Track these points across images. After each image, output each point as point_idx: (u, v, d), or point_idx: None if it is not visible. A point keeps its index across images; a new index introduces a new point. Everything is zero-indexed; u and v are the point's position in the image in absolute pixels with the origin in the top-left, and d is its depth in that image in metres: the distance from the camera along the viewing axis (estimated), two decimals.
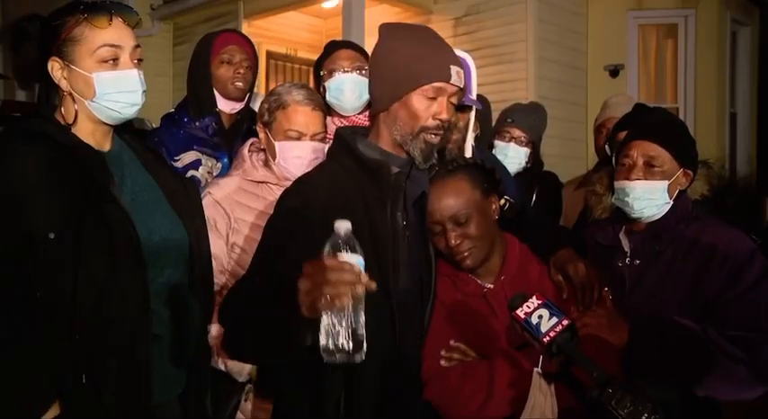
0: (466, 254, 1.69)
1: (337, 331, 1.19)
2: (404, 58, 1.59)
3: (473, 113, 2.08)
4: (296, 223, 1.54)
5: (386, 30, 1.69)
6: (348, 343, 1.20)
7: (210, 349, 1.87)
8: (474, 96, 2.05)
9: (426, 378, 1.67)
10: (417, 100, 1.59)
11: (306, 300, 1.23)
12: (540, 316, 1.34)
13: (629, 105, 3.11)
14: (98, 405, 1.43)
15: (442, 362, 1.67)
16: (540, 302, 1.36)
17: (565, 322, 1.32)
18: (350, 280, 1.18)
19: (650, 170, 1.82)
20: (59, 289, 1.41)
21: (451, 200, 1.68)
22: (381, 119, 1.65)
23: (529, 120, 3.06)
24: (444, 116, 1.61)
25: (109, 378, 1.45)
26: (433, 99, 1.60)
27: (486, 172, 1.77)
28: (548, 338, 1.31)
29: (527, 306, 1.36)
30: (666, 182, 1.82)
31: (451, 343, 1.69)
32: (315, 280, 1.20)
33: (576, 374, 1.50)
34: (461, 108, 2.01)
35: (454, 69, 1.60)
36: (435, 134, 1.61)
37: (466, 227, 1.68)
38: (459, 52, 2.02)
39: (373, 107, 1.69)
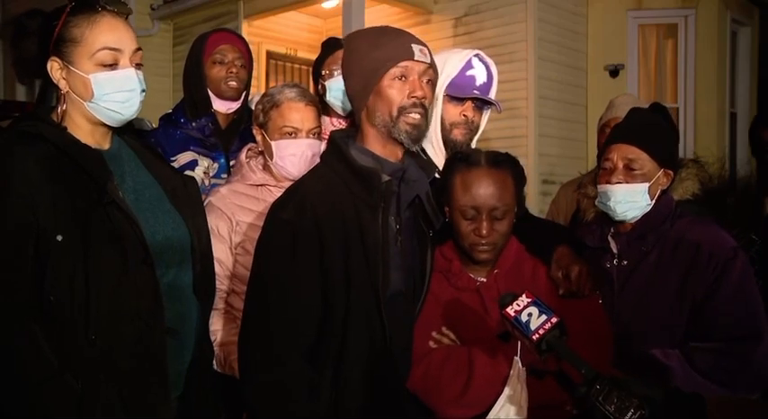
0: (487, 247, 1.69)
1: None
2: (366, 51, 1.61)
3: (487, 114, 2.10)
4: (293, 238, 1.54)
5: (347, 38, 1.72)
6: None
7: (213, 348, 1.87)
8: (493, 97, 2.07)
9: (413, 363, 1.68)
10: (388, 84, 1.60)
11: None
12: (530, 314, 1.35)
13: (635, 105, 3.10)
14: (117, 403, 1.43)
15: (431, 343, 1.68)
16: (529, 300, 1.38)
17: (554, 319, 1.34)
18: None
19: (630, 173, 1.83)
20: (72, 293, 1.40)
21: (497, 191, 1.68)
22: (364, 118, 1.66)
23: None
24: (419, 93, 1.60)
25: (127, 375, 1.45)
26: (404, 80, 1.60)
27: (522, 174, 1.78)
28: (537, 336, 1.33)
29: (517, 304, 1.38)
30: (647, 184, 1.83)
31: (443, 329, 1.70)
32: None
33: (566, 370, 1.52)
34: (480, 107, 2.05)
35: (416, 47, 1.61)
36: (415, 113, 1.61)
37: (500, 221, 1.69)
38: (483, 57, 2.05)
39: (355, 111, 1.69)
